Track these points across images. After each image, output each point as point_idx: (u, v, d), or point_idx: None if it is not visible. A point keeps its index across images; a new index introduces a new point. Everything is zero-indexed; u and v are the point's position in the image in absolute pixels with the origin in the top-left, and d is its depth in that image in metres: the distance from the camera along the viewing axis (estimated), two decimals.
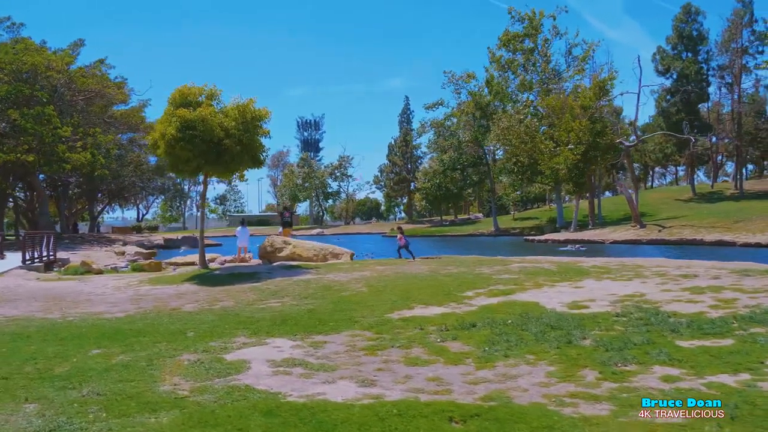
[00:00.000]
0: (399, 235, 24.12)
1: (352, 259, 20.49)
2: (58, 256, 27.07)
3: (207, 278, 17.13)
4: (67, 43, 48.35)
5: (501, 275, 14.12)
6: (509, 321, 8.53)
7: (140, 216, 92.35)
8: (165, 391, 5.99)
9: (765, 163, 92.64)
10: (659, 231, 41.57)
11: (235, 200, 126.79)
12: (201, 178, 20.99)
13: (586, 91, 52.87)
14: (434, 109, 74.42)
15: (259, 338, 8.60)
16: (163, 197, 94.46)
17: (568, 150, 49.65)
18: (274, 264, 18.93)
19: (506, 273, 14.48)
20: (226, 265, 21.32)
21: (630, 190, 53.86)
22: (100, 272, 22.29)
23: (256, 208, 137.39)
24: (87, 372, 6.83)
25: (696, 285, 10.72)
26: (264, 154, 18.91)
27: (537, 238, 50.32)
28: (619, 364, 6.18)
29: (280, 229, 25.84)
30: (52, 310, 12.60)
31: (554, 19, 68.43)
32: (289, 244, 20.07)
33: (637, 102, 57.56)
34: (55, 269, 24.97)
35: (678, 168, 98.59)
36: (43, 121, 36.14)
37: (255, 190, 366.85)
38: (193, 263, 25.80)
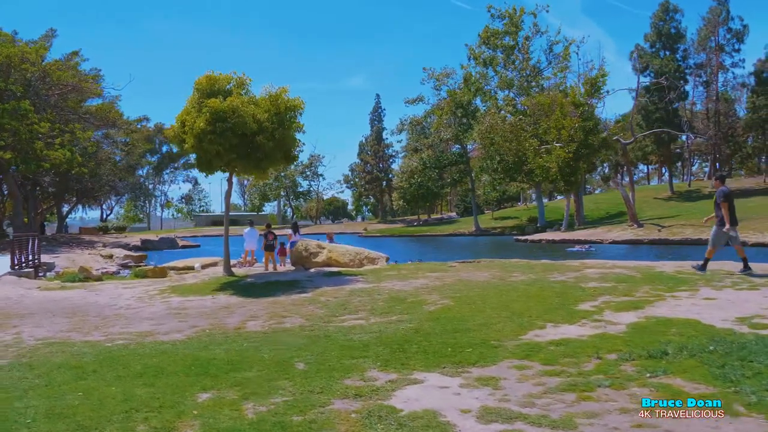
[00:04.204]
0: (289, 233, 22.61)
1: (387, 263, 18.79)
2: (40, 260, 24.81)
3: (241, 288, 15.26)
4: (37, 35, 45.32)
5: (588, 283, 12.62)
6: (711, 347, 6.96)
7: (104, 216, 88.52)
8: None
9: (732, 161, 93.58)
10: (659, 231, 40.77)
11: (200, 199, 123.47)
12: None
13: (576, 88, 52.02)
14: (415, 104, 72.98)
15: (400, 373, 6.87)
16: (127, 197, 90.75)
17: (560, 148, 48.66)
18: (311, 270, 17.11)
19: (591, 280, 12.98)
20: (253, 271, 19.40)
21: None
22: (100, 279, 20.23)
23: (220, 208, 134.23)
24: None
25: None
26: (298, 150, 17.02)
27: (529, 238, 49.22)
28: None
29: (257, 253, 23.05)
30: (85, 329, 10.67)
31: (535, 17, 67.82)
32: (324, 248, 18.26)
33: (635, 99, 56.84)
34: (41, 274, 22.81)
35: (650, 167, 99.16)
36: (19, 116, 33.36)
37: (218, 189, 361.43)
38: (191, 268, 24.02)
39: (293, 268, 20.21)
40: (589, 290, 11.70)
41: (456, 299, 11.58)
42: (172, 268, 23.67)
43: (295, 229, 23.85)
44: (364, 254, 18.53)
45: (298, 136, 16.77)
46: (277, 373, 7.00)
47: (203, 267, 23.44)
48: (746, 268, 12.67)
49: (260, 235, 22.23)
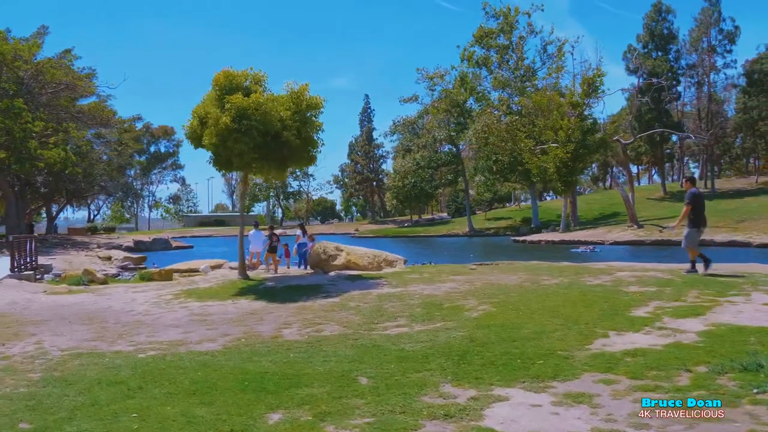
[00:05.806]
0: (298, 234, 22.35)
1: (405, 265, 18.30)
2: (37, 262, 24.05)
3: (262, 292, 14.69)
4: (29, 33, 44.31)
5: (628, 287, 12.17)
6: None
7: (91, 216, 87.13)
8: None
9: (721, 162, 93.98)
10: (660, 231, 40.56)
11: (188, 200, 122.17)
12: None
13: (573, 90, 51.79)
14: (410, 102, 72.45)
15: (478, 389, 6.34)
16: (114, 197, 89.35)
17: (557, 148, 48.36)
18: (331, 274, 16.56)
19: (629, 284, 12.53)
20: (263, 274, 18.84)
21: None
22: (105, 282, 19.53)
23: (206, 209, 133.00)
24: None
25: None
26: (318, 150, 16.40)
27: (527, 239, 48.86)
28: None
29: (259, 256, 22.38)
30: (108, 337, 10.07)
31: (529, 17, 67.59)
32: (342, 251, 17.75)
33: (636, 99, 56.82)
34: (38, 276, 22.09)
35: (639, 167, 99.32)
36: (12, 114, 32.45)
37: (205, 189, 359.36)
38: (196, 270, 23.38)
39: (299, 269, 19.82)
40: (634, 295, 11.25)
41: (496, 304, 11.08)
42: (176, 271, 22.98)
43: (303, 230, 23.35)
44: (382, 257, 18.03)
45: (315, 136, 16.12)
46: (342, 389, 6.46)
47: (211, 269, 22.80)
48: (693, 269, 13.40)
49: (265, 236, 21.71)
